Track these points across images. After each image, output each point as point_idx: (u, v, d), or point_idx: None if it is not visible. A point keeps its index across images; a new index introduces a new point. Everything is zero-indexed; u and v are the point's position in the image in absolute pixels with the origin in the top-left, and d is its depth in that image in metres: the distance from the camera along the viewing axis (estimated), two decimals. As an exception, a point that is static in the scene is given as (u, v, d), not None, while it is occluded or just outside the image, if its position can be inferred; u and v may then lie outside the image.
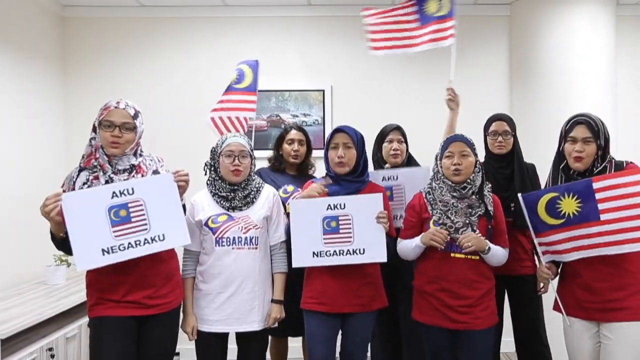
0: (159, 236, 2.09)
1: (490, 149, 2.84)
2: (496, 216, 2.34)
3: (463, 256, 2.27)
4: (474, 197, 2.31)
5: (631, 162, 2.20)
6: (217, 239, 2.34)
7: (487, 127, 2.88)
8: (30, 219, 3.43)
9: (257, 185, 2.46)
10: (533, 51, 3.95)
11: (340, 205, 2.33)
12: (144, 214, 2.09)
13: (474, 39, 4.14)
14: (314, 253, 2.32)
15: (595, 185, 2.05)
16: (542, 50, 3.91)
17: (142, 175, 2.20)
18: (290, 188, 2.93)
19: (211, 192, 2.41)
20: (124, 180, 2.14)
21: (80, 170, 2.15)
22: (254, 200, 2.42)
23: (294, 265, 2.35)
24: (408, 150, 2.93)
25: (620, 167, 2.16)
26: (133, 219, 2.07)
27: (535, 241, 2.24)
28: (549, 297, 2.46)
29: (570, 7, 3.84)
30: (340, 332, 2.44)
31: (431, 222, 2.33)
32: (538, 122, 3.91)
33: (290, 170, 2.98)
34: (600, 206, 2.06)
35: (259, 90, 3.97)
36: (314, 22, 4.12)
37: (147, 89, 4.02)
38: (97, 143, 2.15)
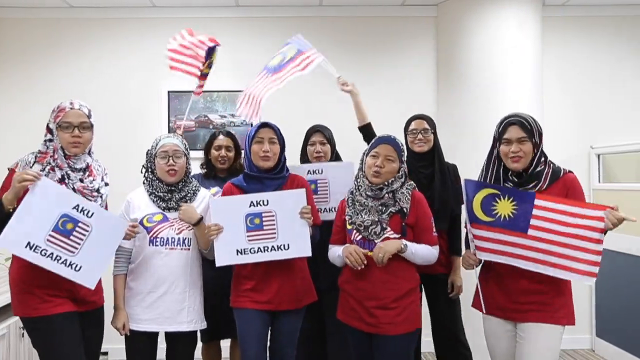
0: (76, 265, 2.11)
1: (411, 147, 2.85)
2: (418, 214, 2.31)
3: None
4: (387, 196, 2.30)
5: (570, 172, 2.19)
6: (151, 238, 2.37)
7: (406, 126, 2.90)
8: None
9: (193, 188, 2.50)
10: (460, 52, 3.97)
11: (262, 202, 2.33)
12: (83, 239, 2.12)
13: (401, 39, 4.16)
14: (237, 251, 2.31)
15: (537, 202, 2.07)
16: (468, 50, 3.93)
17: (94, 179, 2.24)
18: (212, 190, 2.96)
19: (148, 191, 2.43)
20: (79, 178, 2.18)
21: (36, 162, 2.16)
22: (190, 202, 2.45)
23: (218, 264, 2.32)
24: (335, 150, 2.96)
25: (558, 174, 2.17)
26: (72, 237, 2.10)
27: (468, 226, 2.24)
28: (468, 295, 2.47)
29: (496, 8, 3.87)
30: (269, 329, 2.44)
31: (347, 222, 2.35)
32: (464, 122, 3.94)
33: (222, 174, 3.00)
34: (532, 221, 2.07)
35: (188, 91, 4.02)
36: (241, 23, 4.14)
37: (77, 89, 4.02)
38: (56, 145, 2.16)
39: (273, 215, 2.33)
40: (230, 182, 2.50)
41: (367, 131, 2.99)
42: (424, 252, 2.30)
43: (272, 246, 2.31)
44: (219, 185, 2.91)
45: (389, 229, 2.26)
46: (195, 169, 3.12)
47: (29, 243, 2.04)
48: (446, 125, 4.02)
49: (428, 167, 2.82)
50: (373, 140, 2.38)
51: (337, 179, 2.71)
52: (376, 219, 2.27)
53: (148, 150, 2.45)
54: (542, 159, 2.19)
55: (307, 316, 2.60)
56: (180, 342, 2.44)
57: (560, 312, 2.13)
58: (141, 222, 2.37)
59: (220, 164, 2.97)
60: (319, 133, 2.90)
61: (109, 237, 2.17)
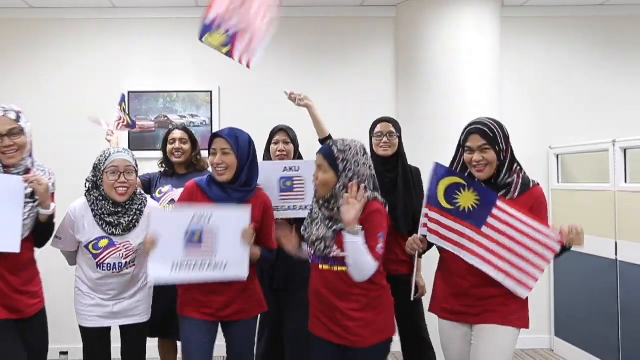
0: None
1: (375, 151, 2.82)
2: (365, 227, 2.09)
3: (328, 267, 2.16)
4: (337, 209, 2.14)
5: (538, 184, 2.18)
6: (98, 263, 2.36)
7: (372, 129, 2.87)
8: None
9: (139, 206, 2.42)
10: (419, 52, 3.98)
11: (205, 218, 2.22)
12: None
13: (360, 39, 4.17)
14: (173, 264, 2.21)
15: (499, 204, 2.07)
16: (427, 51, 3.94)
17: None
18: (165, 189, 2.96)
19: (93, 210, 2.36)
20: None
21: None
22: (136, 224, 2.40)
23: (150, 277, 2.30)
24: (298, 150, 2.96)
25: (527, 186, 2.14)
26: None
27: (424, 210, 2.22)
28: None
29: (455, 9, 3.88)
30: (224, 339, 2.41)
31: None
32: (424, 123, 3.93)
33: (180, 170, 3.00)
34: (489, 220, 2.07)
35: (148, 92, 4.06)
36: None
37: (36, 90, 4.03)
38: None
39: (215, 233, 2.23)
40: (195, 181, 2.37)
41: None
42: (360, 254, 2.06)
43: (209, 263, 2.23)
44: (179, 183, 2.87)
45: (335, 247, 2.12)
46: (154, 168, 3.14)
47: None
48: (406, 126, 3.99)
49: (392, 172, 2.80)
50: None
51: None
52: (321, 236, 2.16)
53: (95, 164, 2.37)
54: (515, 165, 2.15)
55: (266, 320, 2.60)
56: (134, 335, 2.48)
57: (516, 315, 2.12)
58: (86, 247, 2.36)
59: (176, 157, 2.95)
60: (283, 132, 2.89)
61: (10, 197, 2.07)
